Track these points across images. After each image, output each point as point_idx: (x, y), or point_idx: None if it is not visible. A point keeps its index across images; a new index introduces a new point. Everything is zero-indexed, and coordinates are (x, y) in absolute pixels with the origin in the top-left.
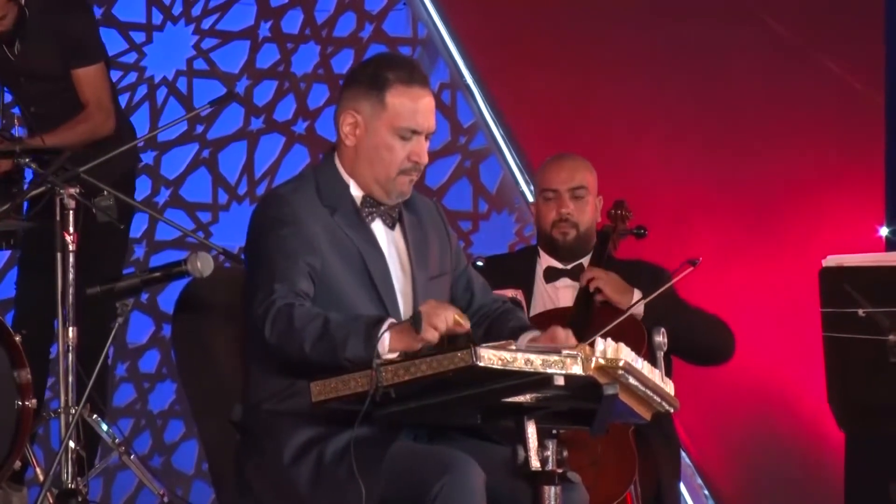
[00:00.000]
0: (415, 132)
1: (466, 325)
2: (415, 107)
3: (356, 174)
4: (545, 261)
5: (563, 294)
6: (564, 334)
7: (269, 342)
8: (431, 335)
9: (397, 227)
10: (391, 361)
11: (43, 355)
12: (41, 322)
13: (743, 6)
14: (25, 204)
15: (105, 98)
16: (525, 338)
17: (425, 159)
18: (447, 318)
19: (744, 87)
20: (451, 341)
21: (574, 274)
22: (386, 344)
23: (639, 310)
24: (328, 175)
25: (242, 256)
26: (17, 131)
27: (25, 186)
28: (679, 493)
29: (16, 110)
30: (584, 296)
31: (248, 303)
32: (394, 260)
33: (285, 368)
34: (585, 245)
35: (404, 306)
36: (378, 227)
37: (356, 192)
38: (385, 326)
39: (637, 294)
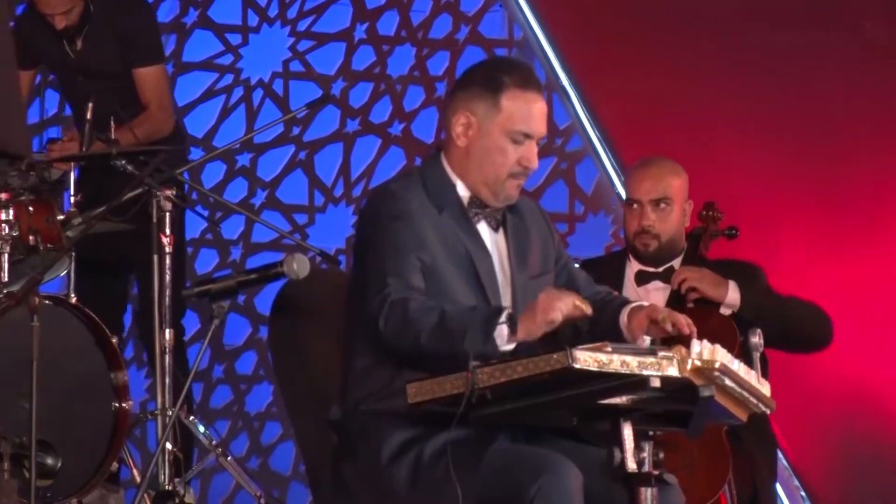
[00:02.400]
0: (527, 136)
1: (588, 309)
2: (529, 111)
3: (465, 175)
4: (635, 265)
5: (654, 297)
6: (663, 314)
7: (382, 335)
8: (552, 322)
9: (500, 230)
10: (487, 363)
11: None
12: (113, 323)
13: (834, 11)
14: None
15: (165, 98)
16: (627, 310)
17: (535, 164)
18: (565, 305)
19: (833, 89)
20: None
21: (665, 277)
22: (505, 334)
23: (735, 300)
24: (435, 174)
25: (339, 258)
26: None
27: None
28: (776, 495)
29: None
30: (676, 298)
31: (355, 298)
32: (497, 262)
33: (386, 367)
34: (671, 251)
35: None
36: (483, 229)
37: (463, 192)
38: (504, 317)
39: (732, 286)
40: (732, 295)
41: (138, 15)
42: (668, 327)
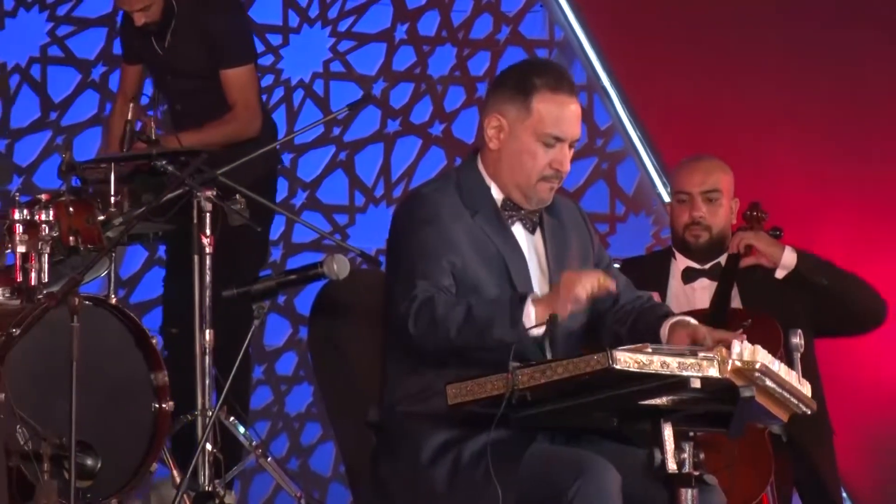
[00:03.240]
0: (558, 139)
1: (612, 285)
2: (560, 114)
3: (497, 177)
4: (682, 262)
5: (700, 295)
6: (704, 334)
7: (413, 336)
8: (576, 302)
9: (537, 232)
10: (527, 364)
11: (191, 356)
12: (189, 324)
13: (878, 10)
14: None
15: (252, 99)
16: (668, 324)
17: (567, 168)
18: (589, 282)
19: (876, 89)
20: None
21: (712, 273)
22: (532, 317)
23: (791, 261)
24: (470, 176)
25: (380, 259)
26: (157, 132)
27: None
28: (839, 481)
29: (155, 111)
30: (731, 261)
31: (388, 301)
32: (533, 263)
33: (425, 368)
34: (720, 246)
35: None
36: (518, 231)
37: (497, 194)
38: (529, 301)
39: (788, 248)
40: (789, 255)
41: (225, 15)
42: (710, 344)
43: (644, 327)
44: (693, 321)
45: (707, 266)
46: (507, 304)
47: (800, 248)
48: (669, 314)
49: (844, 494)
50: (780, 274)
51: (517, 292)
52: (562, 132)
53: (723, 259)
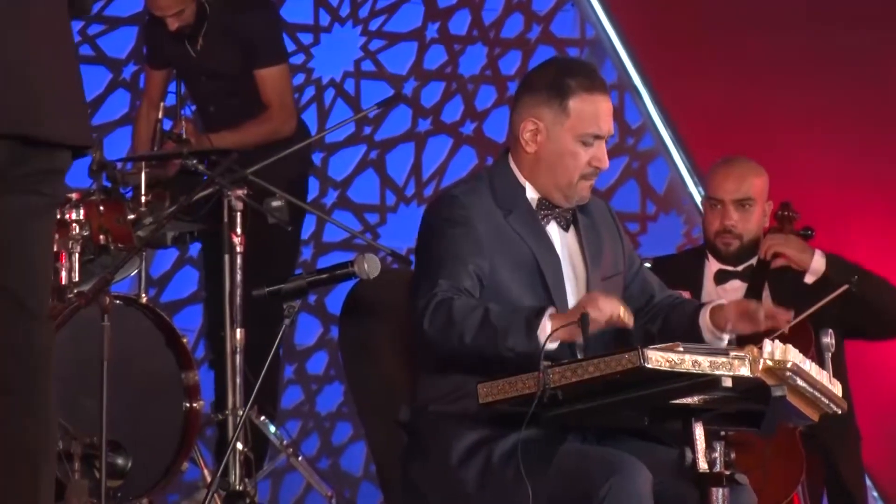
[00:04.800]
0: (597, 137)
1: (630, 321)
2: (596, 112)
3: (535, 178)
4: (714, 264)
5: (732, 296)
6: (755, 304)
7: (426, 335)
8: (593, 323)
9: (571, 229)
10: (558, 363)
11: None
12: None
13: None
14: None
15: (287, 99)
16: (708, 309)
17: (606, 164)
18: (611, 306)
19: None
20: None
21: (744, 276)
22: (548, 330)
23: (820, 266)
24: (503, 177)
25: (410, 258)
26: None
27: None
28: (864, 486)
29: (185, 111)
30: (760, 267)
31: (411, 303)
32: (567, 262)
33: (455, 368)
34: (751, 251)
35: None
36: (553, 230)
37: (532, 194)
38: (546, 315)
39: (818, 253)
40: (818, 260)
41: (258, 15)
42: (762, 316)
43: (676, 323)
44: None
45: (740, 268)
46: (525, 314)
47: (829, 253)
48: (704, 304)
49: (875, 494)
50: (809, 279)
51: (537, 305)
52: (600, 130)
53: (755, 262)
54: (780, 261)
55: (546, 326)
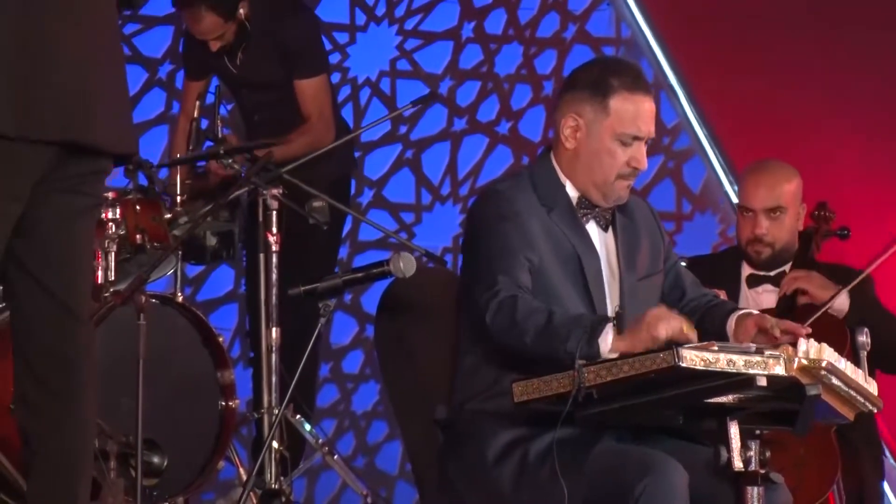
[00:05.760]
0: (636, 138)
1: (693, 336)
2: (637, 112)
3: (574, 176)
4: (747, 268)
5: (765, 299)
6: (772, 322)
7: (489, 328)
8: (655, 338)
9: (610, 230)
10: (594, 362)
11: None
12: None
13: None
14: None
15: (327, 110)
16: (735, 316)
17: (645, 165)
18: (672, 326)
19: None
20: None
21: (777, 281)
22: (609, 342)
23: (843, 307)
24: (545, 174)
25: (445, 258)
26: (224, 131)
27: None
28: (883, 494)
29: (222, 110)
30: (786, 302)
31: (464, 297)
32: (604, 261)
33: (494, 366)
34: (783, 258)
35: (611, 307)
36: (592, 228)
37: (572, 192)
38: (609, 326)
39: (843, 293)
40: (841, 299)
41: (300, 27)
42: (777, 333)
43: (710, 324)
44: (757, 312)
45: (772, 273)
46: (588, 322)
47: (853, 295)
48: (736, 309)
49: None
50: (833, 314)
51: (600, 315)
52: (640, 131)
53: (788, 267)
54: (804, 298)
55: (608, 336)
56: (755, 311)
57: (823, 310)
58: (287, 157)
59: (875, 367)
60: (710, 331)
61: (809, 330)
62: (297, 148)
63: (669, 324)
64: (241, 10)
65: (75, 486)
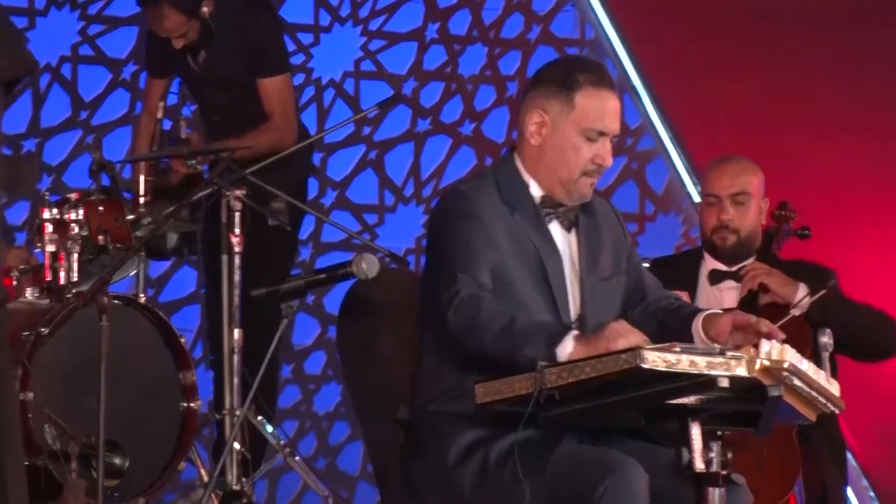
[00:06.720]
0: (601, 133)
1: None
2: (603, 108)
3: (538, 174)
4: (709, 263)
5: (728, 296)
6: (755, 318)
7: (449, 325)
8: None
9: (573, 230)
10: (555, 364)
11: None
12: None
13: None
14: None
15: (290, 108)
16: (701, 317)
17: (609, 162)
18: (630, 342)
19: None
20: None
21: (738, 276)
22: (568, 351)
23: (805, 305)
24: (508, 174)
25: (408, 259)
26: (187, 131)
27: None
28: (845, 496)
29: (185, 111)
30: (749, 298)
31: (426, 297)
32: (567, 262)
33: (456, 367)
34: (748, 248)
35: (573, 308)
36: (555, 229)
37: (536, 191)
38: (570, 336)
39: (802, 288)
40: (803, 299)
41: (263, 26)
42: (763, 329)
43: (673, 326)
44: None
45: (734, 268)
46: (548, 331)
47: (814, 290)
48: (700, 310)
49: (872, 494)
50: (795, 312)
51: (563, 324)
52: (605, 126)
53: (749, 262)
54: (765, 298)
55: (567, 345)
56: (722, 312)
57: (790, 316)
58: (250, 154)
59: (852, 356)
60: (673, 330)
61: (784, 336)
62: (261, 144)
63: (628, 339)
64: (205, 9)
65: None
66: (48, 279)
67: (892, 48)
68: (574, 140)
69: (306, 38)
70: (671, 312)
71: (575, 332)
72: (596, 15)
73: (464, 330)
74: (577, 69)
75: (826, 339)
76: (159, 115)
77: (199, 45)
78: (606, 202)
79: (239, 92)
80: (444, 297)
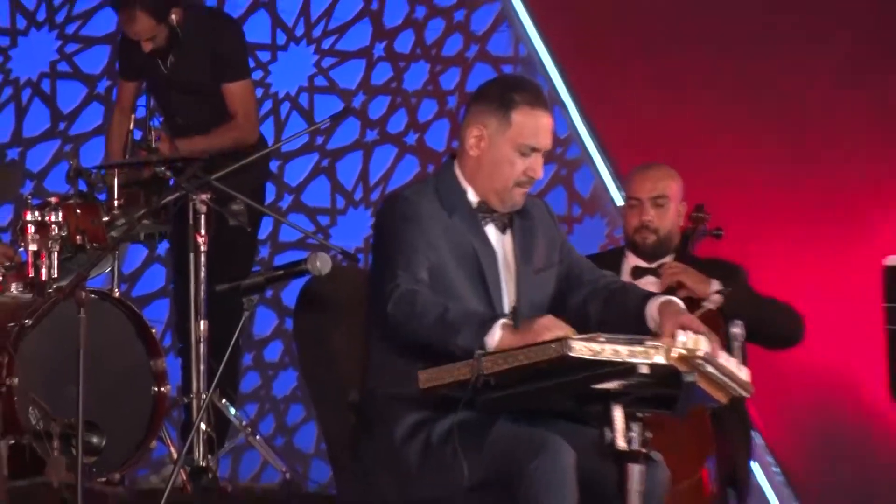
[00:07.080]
0: (534, 149)
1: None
2: (536, 126)
3: (475, 182)
4: (632, 260)
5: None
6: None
7: (389, 318)
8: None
9: (507, 232)
10: (492, 353)
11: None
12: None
13: (817, 24)
14: None
15: (252, 111)
16: (657, 302)
17: (540, 174)
18: (556, 335)
19: (813, 103)
20: None
21: (658, 272)
22: (496, 339)
23: (718, 297)
24: (448, 181)
25: (359, 256)
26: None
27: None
28: (751, 471)
29: (154, 122)
30: (667, 293)
31: (371, 292)
32: (502, 259)
33: (401, 355)
34: (667, 246)
35: (507, 299)
36: (490, 231)
37: (473, 197)
38: (499, 324)
39: (714, 283)
40: (716, 296)
41: (230, 35)
42: (702, 329)
43: (618, 308)
44: (681, 304)
45: (654, 265)
46: (478, 321)
47: (726, 285)
48: (650, 295)
49: (777, 470)
50: (709, 305)
51: (493, 313)
52: (538, 143)
53: (669, 259)
54: (682, 292)
55: (496, 335)
56: (677, 302)
57: (704, 309)
58: (213, 151)
59: (762, 345)
60: (622, 315)
61: (706, 329)
62: (225, 141)
63: (554, 333)
64: (174, 16)
65: None
66: (31, 275)
67: (798, 61)
68: (509, 154)
69: (264, 56)
70: (616, 291)
71: (503, 321)
72: (528, 35)
73: (402, 321)
74: (514, 90)
75: (738, 329)
76: (131, 126)
77: (166, 50)
78: (542, 202)
79: (203, 96)
80: (387, 288)
